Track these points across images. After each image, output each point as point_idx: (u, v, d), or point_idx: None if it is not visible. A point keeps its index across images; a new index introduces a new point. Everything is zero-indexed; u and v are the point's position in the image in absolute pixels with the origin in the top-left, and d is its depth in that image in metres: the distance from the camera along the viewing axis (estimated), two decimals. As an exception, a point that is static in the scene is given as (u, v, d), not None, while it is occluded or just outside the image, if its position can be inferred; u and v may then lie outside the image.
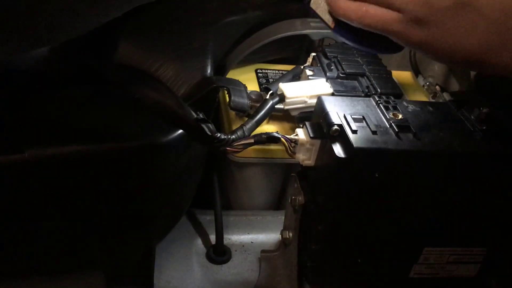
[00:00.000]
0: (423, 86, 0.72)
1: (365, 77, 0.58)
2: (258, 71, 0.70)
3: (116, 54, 0.52)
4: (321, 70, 0.60)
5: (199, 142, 0.48)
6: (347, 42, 0.49)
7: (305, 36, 0.73)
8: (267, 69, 0.71)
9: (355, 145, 0.45)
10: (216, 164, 0.63)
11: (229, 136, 0.48)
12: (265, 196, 0.68)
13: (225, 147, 0.49)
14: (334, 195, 0.49)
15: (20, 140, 0.44)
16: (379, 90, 0.55)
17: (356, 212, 0.50)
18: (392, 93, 0.55)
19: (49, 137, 0.44)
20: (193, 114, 0.47)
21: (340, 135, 0.47)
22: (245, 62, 0.70)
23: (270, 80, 0.69)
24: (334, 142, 0.47)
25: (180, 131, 0.48)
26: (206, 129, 0.47)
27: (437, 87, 0.73)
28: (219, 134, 0.48)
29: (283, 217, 0.66)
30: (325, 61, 0.60)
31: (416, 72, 0.75)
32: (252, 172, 0.64)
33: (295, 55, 0.75)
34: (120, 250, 0.51)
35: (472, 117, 0.51)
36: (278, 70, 0.71)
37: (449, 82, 0.77)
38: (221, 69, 0.62)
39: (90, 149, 0.44)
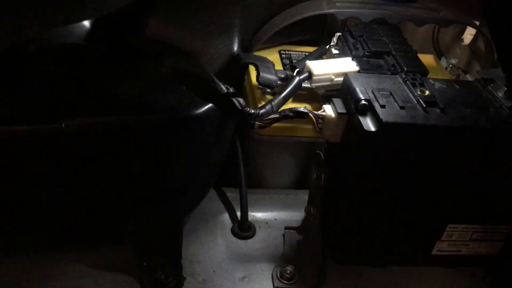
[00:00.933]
0: (446, 68, 0.72)
1: (391, 56, 0.58)
2: (282, 52, 0.71)
3: (145, 31, 0.53)
4: (346, 49, 0.60)
5: (229, 115, 0.49)
6: None
7: (327, 17, 0.73)
8: (291, 51, 0.72)
9: (384, 119, 0.46)
10: (241, 142, 0.64)
11: (258, 111, 0.49)
12: (288, 174, 0.69)
13: (253, 121, 0.49)
14: (361, 169, 0.49)
15: (57, 110, 0.45)
16: (405, 68, 0.56)
17: (381, 186, 0.50)
18: (418, 71, 0.55)
19: (84, 108, 0.45)
20: (224, 88, 0.48)
21: (368, 110, 0.48)
22: (268, 43, 0.70)
23: (293, 61, 0.69)
24: (362, 116, 0.48)
25: (210, 105, 0.49)
26: (237, 103, 0.48)
27: (459, 70, 0.73)
28: (248, 108, 0.49)
29: (306, 196, 0.66)
30: (351, 40, 0.60)
31: (439, 55, 0.75)
32: (276, 150, 0.65)
33: (316, 37, 0.76)
34: (151, 223, 0.53)
35: (499, 94, 0.52)
36: (301, 52, 0.72)
37: (471, 64, 0.77)
38: (246, 48, 0.63)
39: (124, 120, 0.45)
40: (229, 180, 0.65)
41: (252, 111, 0.49)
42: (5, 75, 0.47)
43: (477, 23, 0.70)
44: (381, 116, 0.46)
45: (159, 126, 0.46)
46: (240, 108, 0.48)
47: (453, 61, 0.73)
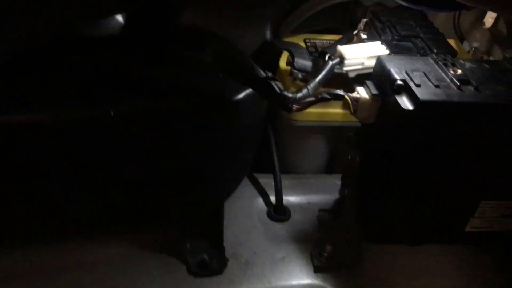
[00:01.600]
0: (468, 52, 0.74)
1: (419, 39, 0.59)
2: (307, 40, 0.73)
3: (182, 19, 0.55)
4: (374, 34, 0.61)
5: (269, 99, 0.51)
6: (406, 4, 0.51)
7: (350, 5, 0.75)
8: (315, 39, 0.73)
9: (421, 97, 0.47)
10: (273, 129, 0.65)
11: (295, 94, 0.51)
12: (318, 159, 0.70)
13: (291, 104, 0.51)
14: (398, 149, 0.51)
15: (105, 97, 0.47)
16: (434, 49, 0.57)
17: (417, 165, 0.52)
18: (447, 52, 0.56)
19: (131, 94, 0.47)
20: (263, 73, 0.49)
21: (404, 90, 0.49)
22: (293, 32, 0.72)
23: (319, 49, 0.71)
24: (398, 96, 0.49)
25: (248, 90, 0.50)
26: (276, 87, 0.49)
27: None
28: (286, 92, 0.50)
29: (336, 180, 0.68)
30: (379, 25, 0.62)
31: (461, 38, 0.77)
32: (306, 135, 0.67)
33: (339, 25, 0.77)
34: (193, 207, 0.54)
35: (529, 72, 0.53)
36: (326, 40, 0.73)
37: (492, 48, 0.78)
38: (275, 36, 0.64)
39: (171, 105, 0.47)
40: (260, 166, 0.67)
41: (290, 95, 0.51)
42: (49, 66, 0.49)
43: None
44: (418, 94, 0.47)
45: (202, 110, 0.48)
46: (279, 92, 0.50)
47: (475, 44, 0.74)
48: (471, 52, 0.73)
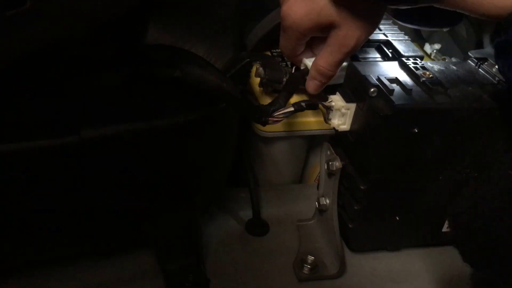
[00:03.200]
0: (430, 54, 0.75)
1: (387, 43, 0.60)
2: (272, 51, 0.72)
3: (147, 39, 0.53)
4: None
5: (245, 113, 0.49)
6: (409, 25, 0.52)
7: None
8: (280, 49, 0.73)
9: (396, 102, 0.47)
10: (245, 142, 0.64)
11: (270, 107, 0.50)
12: (290, 170, 0.70)
13: (266, 118, 0.50)
14: (376, 153, 0.51)
15: (72, 122, 0.44)
16: (402, 53, 0.58)
17: (396, 168, 0.52)
18: (415, 56, 0.57)
19: (99, 117, 0.45)
20: (236, 87, 0.48)
21: (379, 96, 0.49)
22: (259, 43, 0.71)
23: (285, 59, 0.70)
24: (373, 103, 0.49)
25: (220, 105, 0.49)
26: (251, 101, 0.48)
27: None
28: (261, 105, 0.50)
29: (308, 189, 0.68)
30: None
31: (421, 39, 0.78)
32: (278, 146, 0.66)
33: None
34: (169, 228, 0.52)
35: (494, 70, 0.54)
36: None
37: (453, 49, 0.80)
38: (242, 48, 0.63)
39: (141, 127, 0.45)
40: (236, 180, 0.66)
41: (265, 108, 0.50)
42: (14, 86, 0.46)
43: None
44: (393, 99, 0.47)
45: (173, 129, 0.46)
46: (254, 105, 0.49)
47: (436, 46, 0.75)
48: (433, 54, 0.74)
